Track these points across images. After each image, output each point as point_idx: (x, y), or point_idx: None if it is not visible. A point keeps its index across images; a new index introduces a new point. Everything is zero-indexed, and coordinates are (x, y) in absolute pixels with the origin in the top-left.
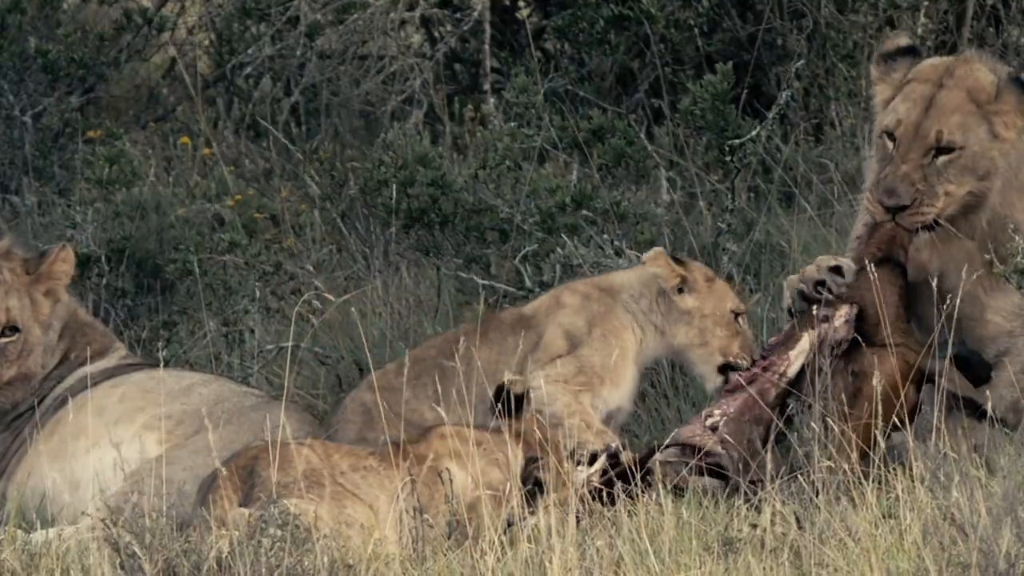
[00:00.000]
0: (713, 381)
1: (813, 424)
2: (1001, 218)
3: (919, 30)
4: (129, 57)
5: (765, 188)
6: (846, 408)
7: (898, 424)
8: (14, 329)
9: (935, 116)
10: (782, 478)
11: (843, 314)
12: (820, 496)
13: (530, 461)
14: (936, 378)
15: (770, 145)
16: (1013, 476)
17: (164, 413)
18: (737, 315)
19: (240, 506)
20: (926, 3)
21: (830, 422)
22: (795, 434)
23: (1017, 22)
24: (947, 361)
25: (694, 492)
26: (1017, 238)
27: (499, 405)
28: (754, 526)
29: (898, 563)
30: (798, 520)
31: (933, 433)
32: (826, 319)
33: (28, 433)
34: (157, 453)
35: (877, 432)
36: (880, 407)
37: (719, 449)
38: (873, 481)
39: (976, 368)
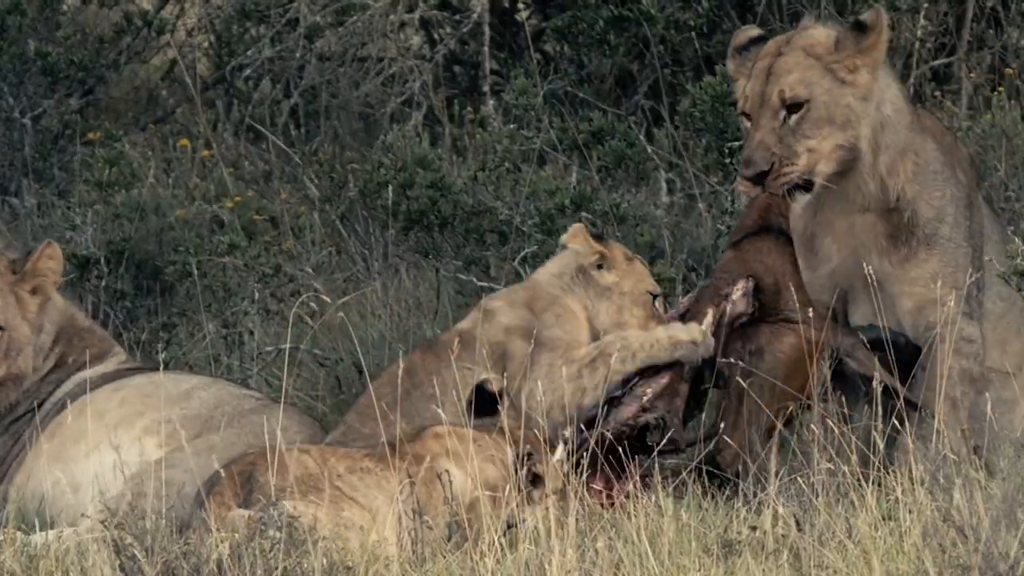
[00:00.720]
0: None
1: (813, 426)
2: (890, 187)
3: (919, 32)
4: (129, 59)
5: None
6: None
7: (807, 403)
8: None
9: (775, 80)
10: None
11: (740, 288)
12: (820, 498)
13: (528, 456)
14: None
15: None
16: (1013, 478)
17: (164, 417)
18: (655, 297)
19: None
20: (926, 5)
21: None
22: (795, 436)
23: (1017, 24)
24: (859, 342)
25: (693, 494)
26: (1018, 240)
27: (471, 406)
28: (753, 528)
29: (898, 565)
30: (798, 522)
31: (934, 435)
32: (727, 296)
33: (28, 437)
34: (157, 457)
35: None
36: (780, 383)
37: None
38: (873, 483)
39: (904, 350)
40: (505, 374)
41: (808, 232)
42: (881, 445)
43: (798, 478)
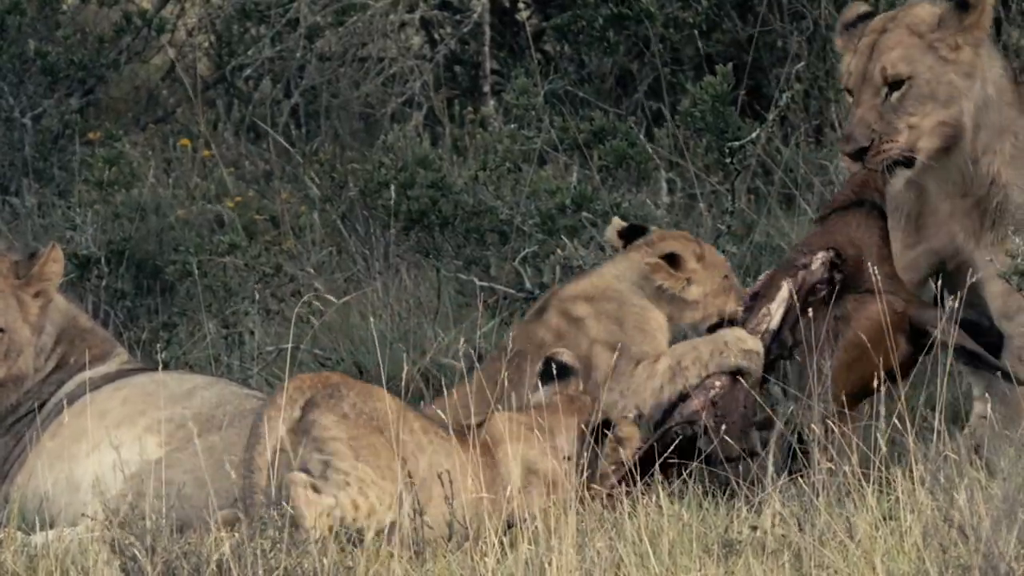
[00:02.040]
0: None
1: (814, 426)
2: (983, 167)
3: None
4: (129, 59)
5: (765, 190)
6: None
7: (889, 376)
8: None
9: (878, 57)
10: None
11: (820, 257)
12: (820, 498)
13: (605, 424)
14: (937, 334)
15: (770, 147)
16: (1013, 478)
17: (165, 416)
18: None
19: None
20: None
21: (831, 423)
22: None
23: (1017, 23)
24: (945, 318)
25: (694, 494)
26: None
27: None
28: (754, 528)
29: (898, 565)
30: (798, 522)
31: (934, 435)
32: (804, 266)
33: (29, 437)
34: (158, 456)
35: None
36: (865, 352)
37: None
38: (873, 483)
39: (988, 333)
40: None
41: (913, 210)
42: (883, 445)
43: (799, 478)
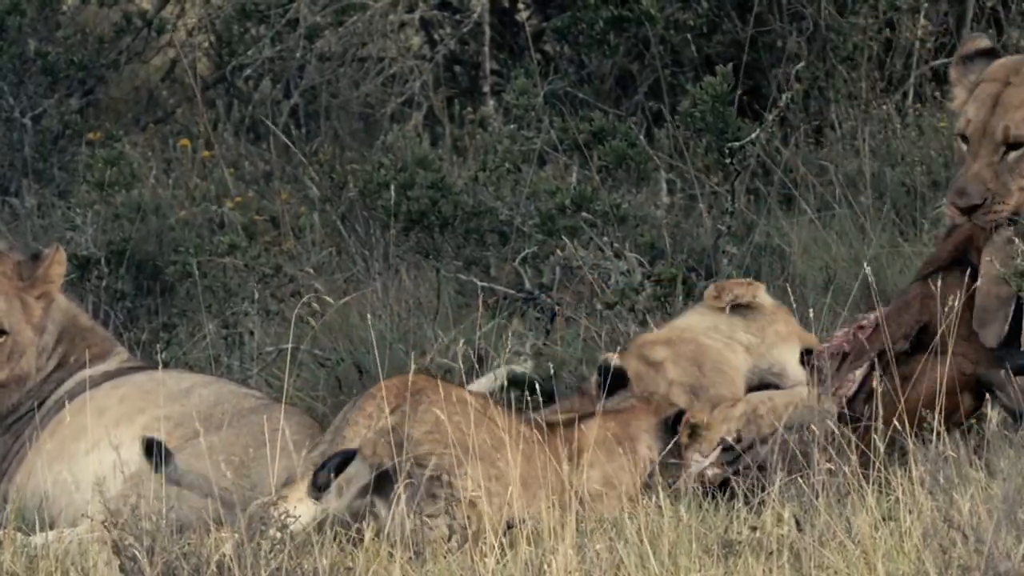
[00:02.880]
0: (802, 373)
1: (814, 427)
2: None
3: (919, 32)
4: (129, 59)
5: (765, 190)
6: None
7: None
8: (1, 332)
9: (1001, 113)
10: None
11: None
12: (820, 498)
13: (679, 415)
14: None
15: (770, 147)
16: (1013, 479)
17: (164, 414)
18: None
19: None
20: (926, 5)
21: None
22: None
23: (1017, 24)
24: (1008, 374)
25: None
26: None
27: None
28: (754, 528)
29: (898, 566)
30: (798, 522)
31: (934, 436)
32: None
33: (28, 436)
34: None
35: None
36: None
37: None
38: (873, 484)
39: None
40: None
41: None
42: (881, 446)
43: (798, 478)
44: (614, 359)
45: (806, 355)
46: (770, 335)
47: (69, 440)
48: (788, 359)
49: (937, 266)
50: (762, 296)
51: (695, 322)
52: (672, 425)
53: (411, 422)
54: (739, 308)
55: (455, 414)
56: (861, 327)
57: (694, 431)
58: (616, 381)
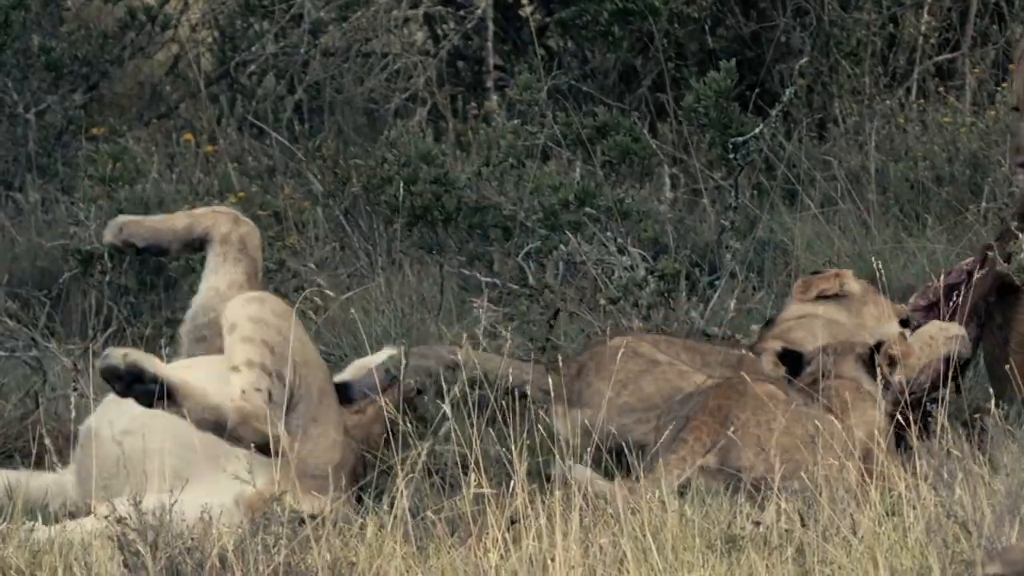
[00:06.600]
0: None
1: (817, 422)
2: None
3: (923, 27)
4: (132, 54)
5: (768, 185)
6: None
7: None
8: None
9: None
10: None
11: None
12: (823, 494)
13: (878, 344)
14: None
15: (773, 142)
16: (1017, 473)
17: None
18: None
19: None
20: (929, 0)
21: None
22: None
23: (1021, 19)
24: None
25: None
26: (1021, 236)
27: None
28: (757, 524)
29: (901, 561)
30: (802, 518)
31: (937, 430)
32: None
33: None
34: None
35: None
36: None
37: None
38: (876, 479)
39: None
40: None
41: None
42: (882, 442)
43: (802, 474)
44: (775, 346)
45: (903, 325)
46: (867, 317)
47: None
48: (890, 334)
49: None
50: (850, 283)
51: (805, 310)
52: (871, 357)
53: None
54: (832, 297)
55: (767, 419)
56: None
57: (892, 361)
58: (795, 362)
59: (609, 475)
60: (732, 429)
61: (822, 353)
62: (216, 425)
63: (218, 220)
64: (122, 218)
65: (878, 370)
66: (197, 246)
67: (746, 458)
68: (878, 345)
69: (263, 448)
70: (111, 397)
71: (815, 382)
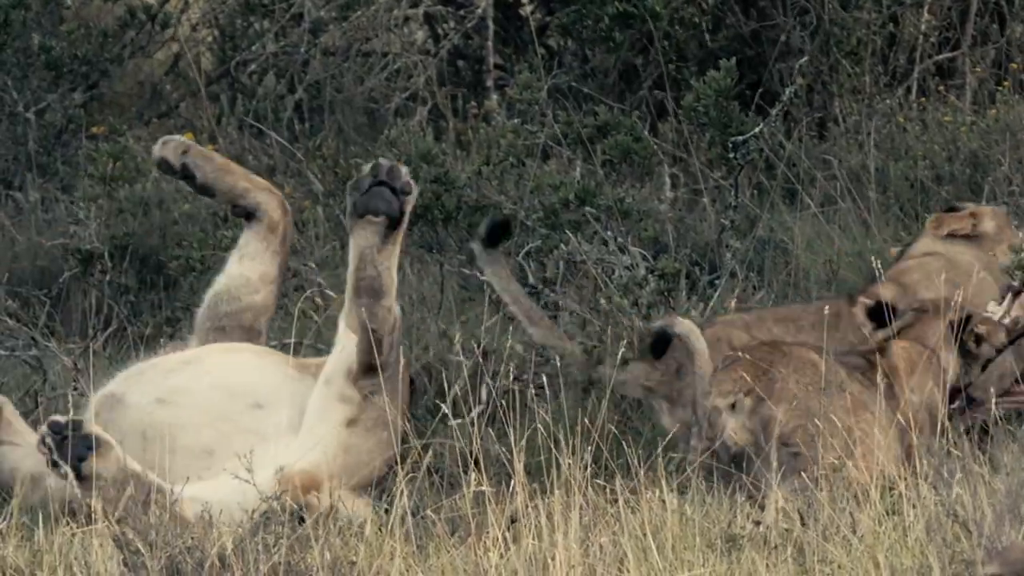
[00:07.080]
0: None
1: (818, 421)
2: None
3: (923, 26)
4: (133, 53)
5: (768, 185)
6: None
7: None
8: None
9: None
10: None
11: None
12: (824, 493)
13: (967, 319)
14: None
15: (773, 142)
16: (1017, 473)
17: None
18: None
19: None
20: (929, 0)
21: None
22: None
23: (1021, 19)
24: None
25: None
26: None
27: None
28: (757, 523)
29: (902, 560)
30: (801, 517)
31: (937, 430)
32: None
33: None
34: None
35: None
36: None
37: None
38: (876, 478)
39: None
40: None
41: None
42: (881, 440)
43: (802, 472)
44: (867, 301)
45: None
46: (1001, 256)
47: None
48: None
49: None
50: (984, 223)
51: (933, 247)
52: (958, 331)
53: (771, 401)
54: (963, 237)
55: (807, 382)
56: None
57: (979, 339)
58: (881, 315)
59: (609, 472)
60: (772, 380)
61: (911, 312)
62: None
63: (272, 202)
64: (188, 142)
65: (956, 343)
66: (240, 213)
67: (779, 411)
68: (968, 318)
69: None
70: (140, 364)
71: (888, 340)
